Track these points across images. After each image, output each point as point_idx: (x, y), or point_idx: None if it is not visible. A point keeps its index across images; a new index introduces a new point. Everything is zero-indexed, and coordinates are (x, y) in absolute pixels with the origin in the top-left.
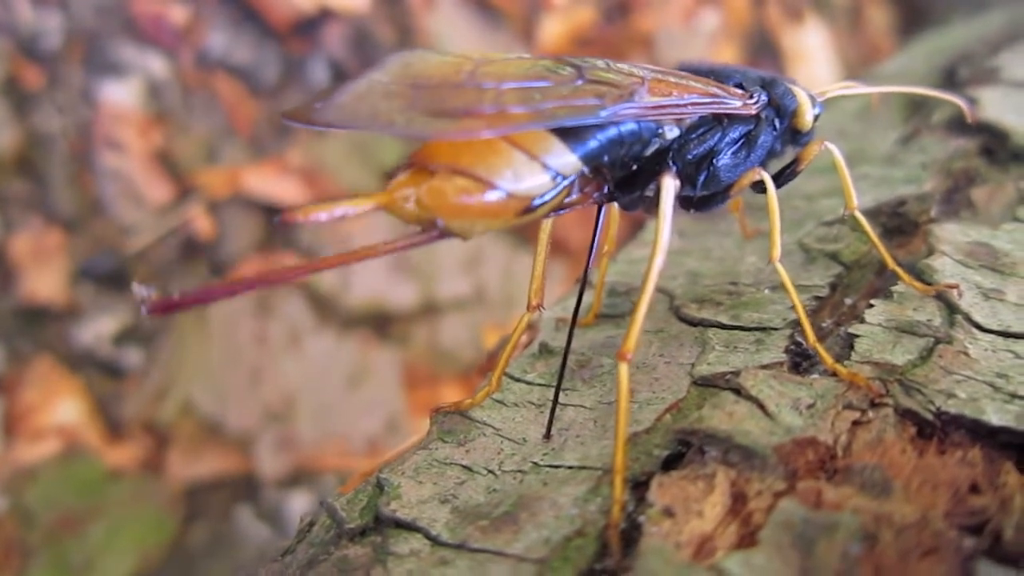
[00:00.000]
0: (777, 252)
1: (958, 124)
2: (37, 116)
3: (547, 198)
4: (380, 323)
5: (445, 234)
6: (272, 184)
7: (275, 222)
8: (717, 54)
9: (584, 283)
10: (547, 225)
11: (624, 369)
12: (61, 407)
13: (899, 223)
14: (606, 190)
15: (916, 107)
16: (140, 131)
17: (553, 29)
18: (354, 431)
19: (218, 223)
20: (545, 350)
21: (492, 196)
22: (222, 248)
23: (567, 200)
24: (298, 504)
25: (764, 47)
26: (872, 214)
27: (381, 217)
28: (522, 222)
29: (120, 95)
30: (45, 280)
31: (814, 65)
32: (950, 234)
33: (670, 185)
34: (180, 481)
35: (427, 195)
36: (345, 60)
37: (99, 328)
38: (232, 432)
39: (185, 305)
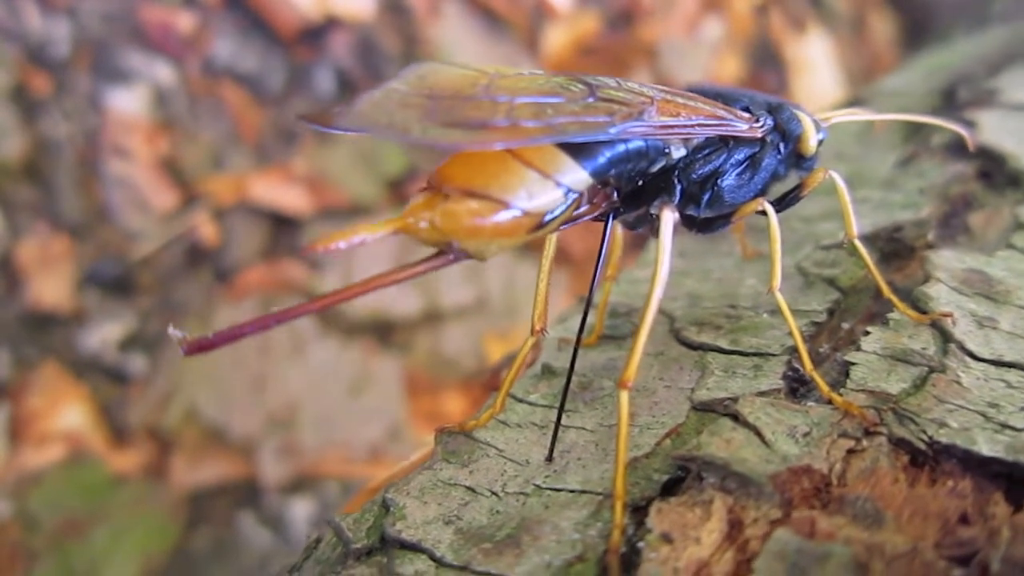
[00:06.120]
0: (777, 282)
1: (956, 147)
2: (44, 123)
3: (558, 212)
4: (382, 331)
5: (460, 255)
6: (277, 191)
7: (298, 253)
8: (720, 63)
9: (588, 307)
10: (549, 251)
11: (625, 397)
12: (66, 413)
13: (896, 248)
14: (615, 197)
15: (915, 129)
16: (146, 138)
17: (557, 38)
18: (356, 438)
19: (223, 230)
20: (547, 371)
21: (505, 215)
22: (227, 255)
23: (576, 212)
24: (300, 510)
25: (767, 57)
26: (870, 239)
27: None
28: (534, 237)
29: (127, 102)
30: (51, 286)
31: (817, 75)
32: (946, 261)
33: (669, 219)
34: (183, 487)
35: (441, 218)
36: (351, 68)
37: (104, 334)
38: (235, 438)
39: (219, 344)
